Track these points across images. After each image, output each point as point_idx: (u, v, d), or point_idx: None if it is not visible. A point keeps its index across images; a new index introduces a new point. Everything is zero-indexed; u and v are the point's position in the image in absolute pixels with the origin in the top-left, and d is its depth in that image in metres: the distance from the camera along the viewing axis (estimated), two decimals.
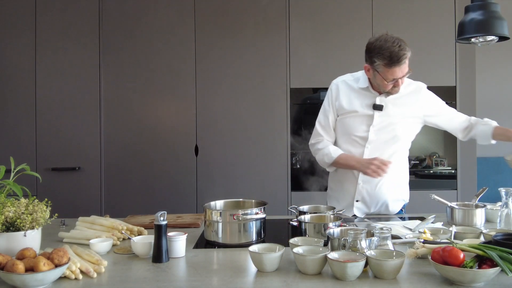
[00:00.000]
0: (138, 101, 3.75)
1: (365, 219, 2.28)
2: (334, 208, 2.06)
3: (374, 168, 2.15)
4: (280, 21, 3.73)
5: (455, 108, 3.71)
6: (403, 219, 2.30)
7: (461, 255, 1.38)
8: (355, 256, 1.45)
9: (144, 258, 1.68)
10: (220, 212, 1.86)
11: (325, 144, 2.35)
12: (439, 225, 1.99)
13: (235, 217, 1.83)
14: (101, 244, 1.73)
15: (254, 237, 1.86)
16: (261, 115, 3.73)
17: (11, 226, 1.53)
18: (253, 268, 1.54)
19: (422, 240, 1.63)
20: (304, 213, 1.99)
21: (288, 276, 1.47)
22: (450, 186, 3.73)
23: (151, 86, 3.74)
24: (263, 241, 1.85)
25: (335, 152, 2.30)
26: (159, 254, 1.62)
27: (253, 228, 1.86)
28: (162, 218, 1.64)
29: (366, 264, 1.43)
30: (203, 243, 1.90)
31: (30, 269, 1.37)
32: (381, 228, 1.57)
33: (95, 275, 1.48)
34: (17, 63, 3.72)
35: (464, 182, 3.73)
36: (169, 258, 1.65)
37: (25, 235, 1.52)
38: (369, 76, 2.23)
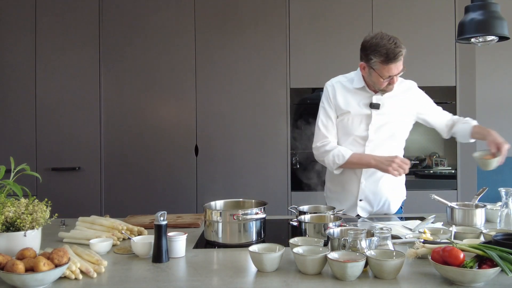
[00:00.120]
0: (138, 101, 3.75)
1: (366, 219, 2.28)
2: (334, 208, 2.06)
3: (395, 166, 2.15)
4: (280, 21, 3.73)
5: (455, 108, 3.78)
6: (402, 219, 2.30)
7: (461, 255, 1.38)
8: (355, 256, 1.45)
9: (144, 258, 1.68)
10: (220, 212, 1.86)
11: (333, 146, 2.31)
12: (439, 225, 1.99)
13: (235, 217, 1.83)
14: (101, 244, 1.73)
15: (254, 237, 1.86)
16: (261, 115, 3.73)
17: (11, 226, 1.53)
18: (253, 268, 1.54)
19: (422, 240, 1.63)
20: (304, 213, 1.99)
21: (288, 276, 1.47)
22: (450, 186, 3.73)
23: (151, 86, 3.75)
24: (263, 241, 1.85)
25: (346, 152, 2.27)
26: (159, 254, 1.62)
27: (253, 228, 1.86)
28: (162, 218, 1.64)
29: (366, 264, 1.43)
30: (203, 243, 1.90)
31: (30, 269, 1.37)
32: (381, 228, 1.57)
33: (95, 275, 1.48)
34: (17, 63, 3.72)
35: (464, 182, 3.73)
36: (169, 258, 1.65)
37: (25, 235, 1.52)
38: (364, 74, 2.25)
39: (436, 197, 2.21)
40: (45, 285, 1.38)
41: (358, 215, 2.38)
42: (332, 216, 1.94)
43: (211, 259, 1.71)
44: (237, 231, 1.84)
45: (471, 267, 1.36)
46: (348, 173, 2.35)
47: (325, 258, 1.45)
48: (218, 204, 2.06)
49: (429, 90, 3.66)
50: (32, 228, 1.55)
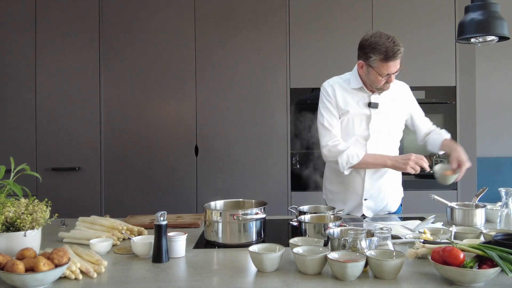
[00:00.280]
0: (138, 101, 3.75)
1: (366, 220, 2.28)
2: (334, 208, 2.06)
3: (412, 164, 2.18)
4: (280, 21, 3.73)
5: (456, 108, 3.78)
6: (402, 219, 2.30)
7: (461, 255, 1.38)
8: (355, 256, 1.45)
9: (144, 258, 1.68)
10: (220, 212, 1.86)
11: (345, 145, 2.29)
12: (439, 225, 1.99)
13: (235, 217, 1.83)
14: (101, 244, 1.73)
15: (254, 237, 1.86)
16: (261, 115, 3.73)
17: (11, 226, 1.53)
18: (253, 268, 1.54)
19: (422, 240, 1.63)
20: (304, 213, 2.00)
21: (288, 276, 1.47)
22: (450, 186, 3.72)
23: (151, 86, 3.75)
24: (263, 241, 1.85)
25: (360, 152, 2.27)
26: (159, 254, 1.62)
27: (253, 228, 1.86)
28: (162, 218, 1.64)
29: (366, 264, 1.43)
30: (203, 243, 1.90)
31: (30, 269, 1.37)
32: (381, 228, 1.57)
33: (95, 275, 1.48)
34: (17, 63, 3.72)
35: (464, 182, 3.72)
36: (169, 258, 1.65)
37: (25, 235, 1.52)
38: (361, 73, 2.27)
39: (436, 197, 2.22)
40: (45, 285, 1.38)
41: (363, 215, 2.39)
42: (332, 216, 1.95)
43: (211, 259, 1.71)
44: (237, 231, 1.84)
45: (471, 267, 1.36)
46: (351, 173, 2.35)
47: (325, 258, 1.45)
48: (218, 204, 2.06)
49: (429, 90, 3.70)
50: (32, 228, 1.55)
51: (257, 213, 1.86)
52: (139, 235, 1.93)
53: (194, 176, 3.74)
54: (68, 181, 3.71)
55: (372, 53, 2.16)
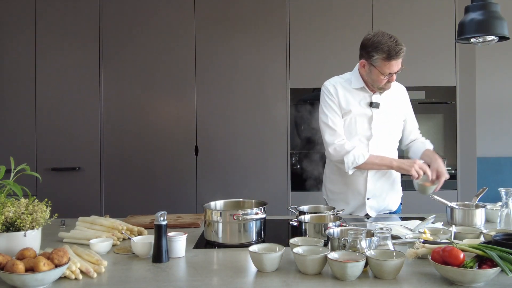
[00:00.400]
0: (138, 101, 3.75)
1: (365, 220, 2.28)
2: (334, 208, 2.06)
3: (417, 168, 2.20)
4: (280, 21, 3.73)
5: (456, 108, 3.78)
6: (402, 219, 2.30)
7: (461, 255, 1.38)
8: (355, 256, 1.45)
9: (144, 258, 1.68)
10: (220, 212, 1.86)
11: (351, 145, 2.29)
12: (439, 225, 1.99)
13: (235, 217, 1.83)
14: (101, 244, 1.73)
15: (254, 237, 1.86)
16: (261, 115, 3.73)
17: (11, 226, 1.53)
18: (253, 268, 1.54)
19: (422, 240, 1.63)
20: (304, 213, 2.00)
21: (288, 276, 1.47)
22: (450, 186, 3.72)
23: (151, 86, 3.74)
24: (263, 241, 1.85)
25: (365, 152, 2.28)
26: (159, 254, 1.62)
27: (253, 228, 1.86)
28: (162, 218, 1.64)
29: (366, 264, 1.43)
30: (203, 243, 1.90)
31: (30, 269, 1.37)
32: (381, 228, 1.57)
33: (95, 275, 1.48)
34: (17, 63, 3.72)
35: (464, 182, 3.72)
36: (169, 258, 1.65)
37: (25, 235, 1.52)
38: (363, 72, 2.28)
39: (436, 197, 2.22)
40: (45, 285, 1.38)
41: (366, 214, 2.40)
42: (332, 216, 1.95)
43: (211, 259, 1.71)
44: (237, 231, 1.84)
45: (471, 267, 1.36)
46: (354, 172, 2.34)
47: (325, 258, 1.45)
48: (218, 204, 2.06)
49: (429, 90, 3.70)
50: (32, 228, 1.55)
51: (257, 213, 1.86)
52: (139, 235, 1.93)
53: (194, 176, 3.74)
54: (68, 181, 3.71)
55: (375, 52, 2.17)
